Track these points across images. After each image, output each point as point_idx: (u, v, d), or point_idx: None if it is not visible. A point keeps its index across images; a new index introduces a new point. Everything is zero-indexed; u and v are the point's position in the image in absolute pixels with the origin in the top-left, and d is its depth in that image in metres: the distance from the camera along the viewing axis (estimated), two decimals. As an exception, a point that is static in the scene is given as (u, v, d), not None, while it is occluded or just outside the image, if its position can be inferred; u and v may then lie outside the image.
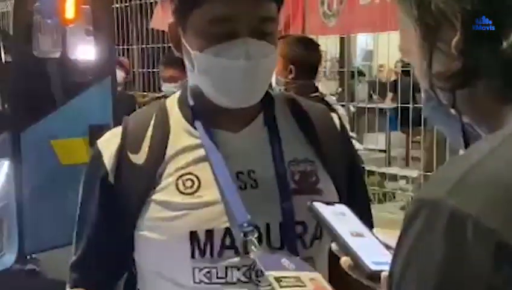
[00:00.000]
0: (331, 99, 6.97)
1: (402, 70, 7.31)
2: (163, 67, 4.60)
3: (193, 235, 1.22)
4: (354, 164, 1.41)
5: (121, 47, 7.79)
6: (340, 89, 7.46)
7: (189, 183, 1.25)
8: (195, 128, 1.30)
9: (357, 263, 0.94)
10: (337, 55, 8.29)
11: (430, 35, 0.75)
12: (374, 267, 0.91)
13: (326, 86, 7.61)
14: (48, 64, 4.36)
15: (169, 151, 1.28)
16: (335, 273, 1.33)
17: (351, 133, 7.01)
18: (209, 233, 1.22)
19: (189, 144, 1.29)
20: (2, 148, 4.08)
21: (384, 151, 8.55)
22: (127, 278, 1.37)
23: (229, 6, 1.20)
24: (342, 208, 1.07)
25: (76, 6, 4.18)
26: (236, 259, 1.22)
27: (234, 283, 1.22)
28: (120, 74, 5.64)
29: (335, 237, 0.99)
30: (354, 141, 6.54)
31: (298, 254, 1.22)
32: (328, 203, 1.06)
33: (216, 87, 1.25)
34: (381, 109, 7.60)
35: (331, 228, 1.00)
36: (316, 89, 3.52)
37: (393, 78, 9.26)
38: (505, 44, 0.70)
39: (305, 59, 3.40)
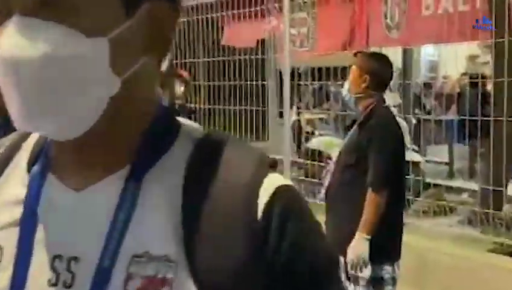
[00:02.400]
0: (394, 111, 7.05)
1: (469, 83, 7.18)
2: None
3: None
4: (285, 274, 0.81)
5: (187, 60, 7.97)
6: (400, 101, 7.46)
7: None
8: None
9: None
10: (400, 67, 8.28)
11: None
12: None
13: (390, 98, 7.60)
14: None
15: None
16: None
17: (411, 145, 6.97)
18: None
19: (14, 198, 0.88)
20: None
21: (447, 163, 8.47)
22: None
23: None
24: None
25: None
26: None
27: None
28: (178, 87, 5.75)
29: None
30: (414, 153, 6.55)
31: None
32: None
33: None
34: (443, 121, 7.55)
35: None
36: (384, 101, 3.76)
37: (457, 90, 9.16)
38: None
39: (379, 72, 3.71)
